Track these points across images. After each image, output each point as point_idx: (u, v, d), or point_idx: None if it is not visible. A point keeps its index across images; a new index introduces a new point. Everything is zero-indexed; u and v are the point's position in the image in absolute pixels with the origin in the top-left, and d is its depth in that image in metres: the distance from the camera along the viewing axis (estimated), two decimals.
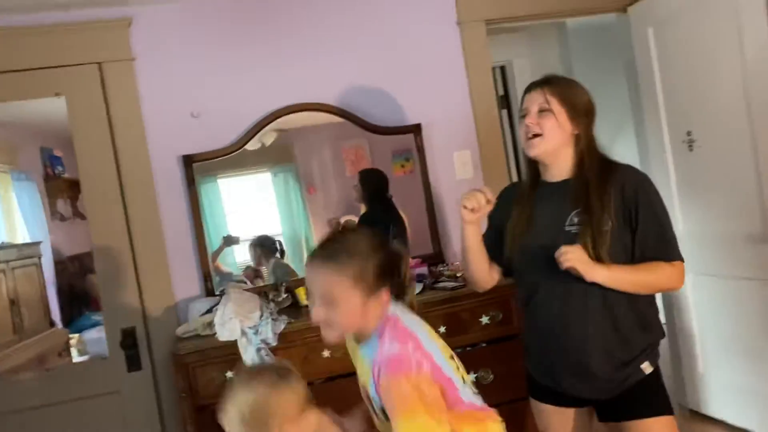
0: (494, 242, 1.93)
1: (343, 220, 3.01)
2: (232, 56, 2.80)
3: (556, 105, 1.77)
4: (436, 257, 2.94)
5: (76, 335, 2.79)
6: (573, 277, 1.69)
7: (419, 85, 2.98)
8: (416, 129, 2.95)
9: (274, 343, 2.23)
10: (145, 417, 2.59)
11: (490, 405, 2.52)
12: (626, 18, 3.30)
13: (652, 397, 1.77)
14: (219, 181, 2.88)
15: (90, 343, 2.76)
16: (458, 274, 2.69)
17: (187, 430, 2.22)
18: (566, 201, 1.78)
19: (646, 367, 1.75)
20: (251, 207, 2.92)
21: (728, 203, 2.88)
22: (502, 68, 4.47)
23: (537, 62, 4.25)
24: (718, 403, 3.14)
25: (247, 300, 2.35)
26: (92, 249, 2.62)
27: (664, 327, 1.93)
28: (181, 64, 2.74)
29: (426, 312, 2.42)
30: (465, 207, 1.79)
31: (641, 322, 1.77)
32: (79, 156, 2.62)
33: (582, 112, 1.79)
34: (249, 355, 2.19)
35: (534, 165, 1.89)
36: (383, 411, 1.38)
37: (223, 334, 2.22)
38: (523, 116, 1.82)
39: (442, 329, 2.46)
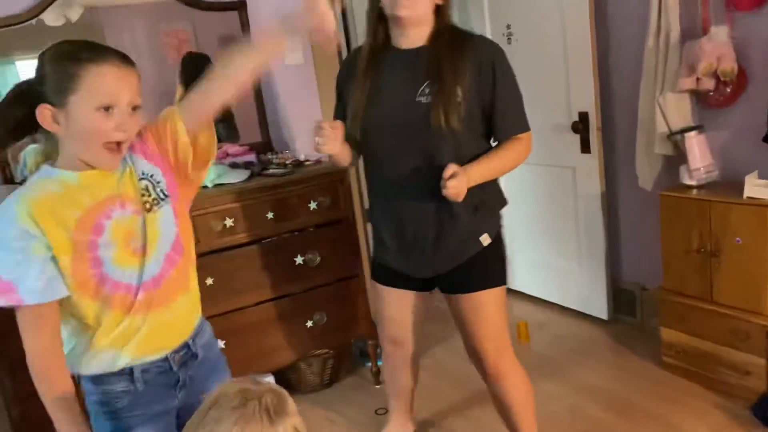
0: (345, 118, 1.83)
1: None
2: None
3: None
4: (265, 146, 2.88)
5: None
6: (423, 154, 1.70)
7: None
8: (241, 6, 2.78)
9: None
10: None
11: (319, 286, 2.61)
12: None
13: (487, 270, 1.85)
14: (17, 63, 2.53)
15: None
16: (287, 162, 2.66)
17: None
18: (418, 70, 1.72)
19: (485, 239, 1.83)
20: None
21: (540, 95, 3.08)
22: None
23: None
24: (523, 279, 3.50)
25: None
26: None
27: None
28: None
29: (254, 198, 2.43)
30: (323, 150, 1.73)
31: (488, 199, 1.84)
32: None
33: None
34: None
35: (383, 29, 1.78)
36: (164, 192, 1.33)
37: None
38: None
39: (270, 215, 2.45)
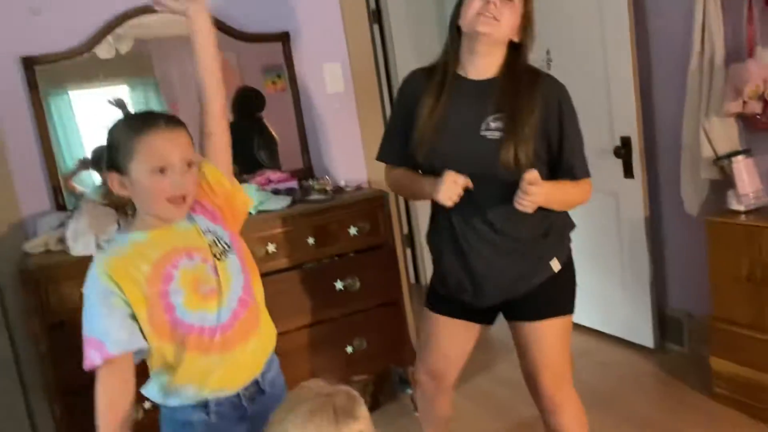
0: (405, 146, 1.77)
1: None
2: None
3: (519, 1, 1.67)
4: (306, 172, 2.92)
5: None
6: (484, 184, 1.66)
7: None
8: (284, 37, 2.85)
9: None
10: None
11: (359, 311, 2.62)
12: None
13: (554, 297, 1.79)
14: (70, 93, 2.64)
15: None
16: (327, 188, 2.70)
17: (39, 349, 2.11)
18: (486, 102, 1.68)
19: (555, 264, 1.77)
20: (109, 123, 2.70)
21: (581, 120, 3.01)
22: None
23: None
24: None
25: (103, 214, 2.21)
26: None
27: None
28: None
29: (296, 224, 2.46)
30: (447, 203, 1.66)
31: (558, 222, 1.79)
32: None
33: (531, 23, 1.72)
34: None
35: (455, 54, 1.74)
36: (227, 244, 1.44)
37: (77, 248, 2.10)
38: None
39: (311, 240, 2.48)
